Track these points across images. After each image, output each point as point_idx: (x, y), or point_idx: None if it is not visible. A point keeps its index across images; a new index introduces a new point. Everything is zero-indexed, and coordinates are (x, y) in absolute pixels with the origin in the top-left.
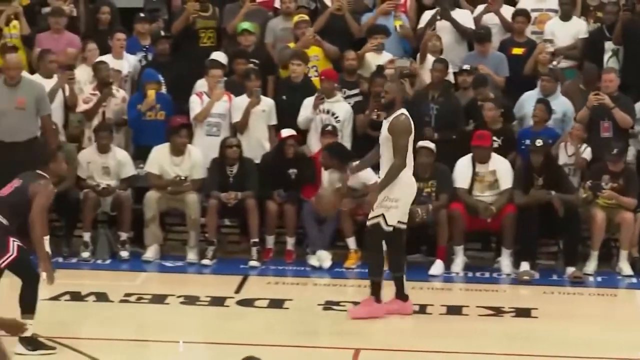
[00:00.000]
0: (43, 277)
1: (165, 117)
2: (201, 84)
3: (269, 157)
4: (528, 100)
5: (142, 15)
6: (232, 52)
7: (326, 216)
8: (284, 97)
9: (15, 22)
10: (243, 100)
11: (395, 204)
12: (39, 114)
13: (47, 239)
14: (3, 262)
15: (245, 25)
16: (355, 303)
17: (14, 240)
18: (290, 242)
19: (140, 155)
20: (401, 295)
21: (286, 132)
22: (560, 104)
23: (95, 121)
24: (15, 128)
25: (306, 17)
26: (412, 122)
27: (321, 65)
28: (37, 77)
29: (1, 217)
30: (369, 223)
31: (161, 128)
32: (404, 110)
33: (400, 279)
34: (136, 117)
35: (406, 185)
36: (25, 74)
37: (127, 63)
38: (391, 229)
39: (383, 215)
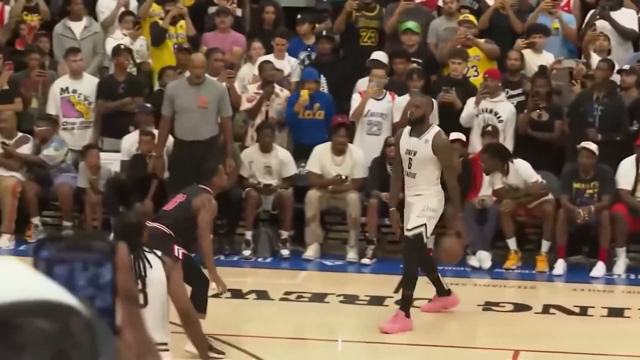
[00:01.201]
0: (213, 286)
1: (324, 116)
2: (362, 83)
3: None
4: None
5: (300, 16)
6: (394, 51)
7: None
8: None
9: (182, 22)
10: (405, 100)
11: (434, 215)
12: (220, 114)
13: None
14: None
15: (410, 24)
16: (515, 304)
17: (178, 248)
18: None
19: (300, 154)
20: (442, 292)
21: (454, 136)
22: None
23: (258, 120)
24: (196, 127)
25: (470, 17)
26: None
27: (481, 65)
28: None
29: (165, 228)
30: (410, 233)
31: (321, 127)
32: (436, 126)
33: (437, 279)
34: (292, 116)
35: (442, 198)
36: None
37: (288, 63)
38: (427, 239)
39: (425, 225)
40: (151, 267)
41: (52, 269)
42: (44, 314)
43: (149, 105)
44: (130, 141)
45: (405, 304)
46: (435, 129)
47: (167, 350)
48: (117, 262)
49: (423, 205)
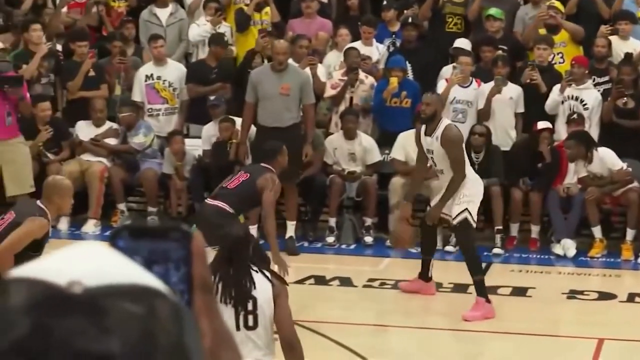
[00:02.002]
0: (275, 269)
1: (411, 104)
2: (447, 70)
3: (520, 146)
4: None
5: (385, 2)
6: (480, 38)
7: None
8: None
9: (267, 9)
10: (489, 87)
11: (472, 199)
12: (302, 102)
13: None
14: None
15: (492, 11)
16: (600, 293)
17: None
18: (534, 230)
19: (385, 141)
20: (425, 276)
21: (542, 125)
22: None
23: (342, 107)
24: (278, 113)
25: (556, 3)
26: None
27: (567, 51)
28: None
29: (228, 206)
30: (456, 221)
31: (407, 115)
32: (448, 120)
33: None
34: (380, 103)
35: (477, 182)
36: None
37: (376, 50)
38: (474, 223)
39: (467, 209)
40: (255, 287)
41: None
42: (132, 297)
43: (222, 99)
44: (210, 130)
45: (481, 289)
46: (443, 124)
47: None
48: (194, 250)
49: (460, 194)
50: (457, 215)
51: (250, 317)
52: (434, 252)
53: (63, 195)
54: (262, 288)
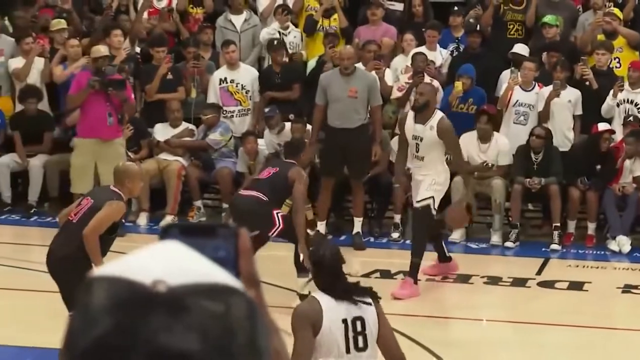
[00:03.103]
0: (301, 258)
1: (476, 110)
2: (507, 74)
3: (579, 147)
4: None
5: (456, 8)
6: (539, 44)
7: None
8: (587, 83)
9: (335, 15)
10: (548, 90)
11: (441, 189)
12: (370, 104)
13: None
14: (273, 233)
15: (546, 18)
16: None
17: (277, 212)
18: (591, 227)
19: None
20: (444, 257)
21: (603, 127)
22: None
23: (407, 108)
24: (346, 115)
25: (614, 9)
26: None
27: (624, 57)
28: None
29: (261, 194)
30: (419, 205)
31: (471, 120)
32: (439, 112)
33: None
34: (446, 106)
35: (447, 172)
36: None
37: (440, 55)
38: (435, 212)
39: (433, 197)
40: (356, 306)
41: None
42: (212, 295)
43: (276, 110)
44: (268, 137)
45: (414, 271)
46: (438, 114)
47: None
48: (240, 247)
49: (431, 180)
50: (422, 200)
51: (360, 338)
52: (442, 235)
53: (133, 179)
54: (367, 308)
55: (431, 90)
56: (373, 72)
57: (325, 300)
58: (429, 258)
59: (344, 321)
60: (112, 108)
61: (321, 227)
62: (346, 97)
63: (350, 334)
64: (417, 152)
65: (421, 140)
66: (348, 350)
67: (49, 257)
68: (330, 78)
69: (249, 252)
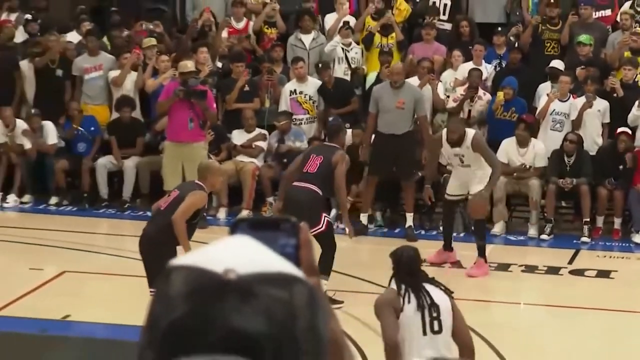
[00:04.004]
0: (347, 231)
1: (517, 117)
2: (544, 87)
3: (604, 151)
4: None
5: (500, 29)
6: (574, 60)
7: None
8: (615, 95)
9: (393, 34)
10: (581, 101)
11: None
12: (417, 113)
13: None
14: (313, 231)
15: (581, 38)
16: None
17: (325, 216)
18: (617, 221)
19: (493, 147)
20: (448, 247)
21: (621, 129)
22: None
23: (460, 116)
24: (394, 123)
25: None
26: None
27: None
28: (412, 81)
29: (316, 187)
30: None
31: (512, 126)
32: (470, 131)
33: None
34: (491, 114)
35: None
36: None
37: (485, 69)
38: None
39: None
40: (432, 297)
41: None
42: (277, 283)
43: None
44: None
45: (482, 252)
46: (470, 134)
47: None
48: (301, 239)
49: (481, 173)
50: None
51: (436, 323)
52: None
53: (214, 173)
54: (441, 298)
55: (460, 126)
56: (425, 85)
57: (403, 290)
58: (434, 247)
59: (421, 307)
60: (194, 115)
61: (363, 218)
62: (394, 107)
63: (427, 319)
64: (463, 163)
65: (463, 156)
66: (425, 333)
67: (141, 239)
68: (382, 90)
69: (309, 244)
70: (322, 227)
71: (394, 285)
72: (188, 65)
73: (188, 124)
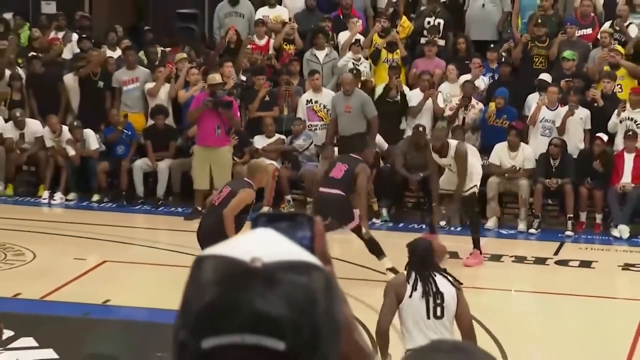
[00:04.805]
0: (363, 232)
1: (507, 124)
2: (532, 98)
3: (585, 152)
4: None
5: (492, 46)
6: (560, 74)
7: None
8: (596, 104)
9: (397, 50)
10: (565, 109)
11: (477, 179)
12: (366, 116)
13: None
14: (349, 226)
15: (565, 53)
16: None
17: (355, 211)
18: (598, 217)
19: (486, 151)
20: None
21: (598, 135)
22: None
23: (456, 123)
24: (345, 126)
25: (618, 46)
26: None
27: (625, 84)
28: (414, 92)
29: (340, 191)
30: (467, 193)
31: (503, 132)
32: (454, 142)
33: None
34: (484, 121)
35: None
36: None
37: (482, 82)
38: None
39: (476, 185)
40: (438, 285)
41: None
42: (298, 270)
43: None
44: None
45: (477, 244)
46: (453, 144)
47: None
48: (316, 231)
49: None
50: (469, 189)
51: (439, 309)
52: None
53: (261, 172)
54: (447, 287)
55: (442, 135)
56: (429, 98)
57: (412, 276)
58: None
59: (426, 294)
60: (220, 122)
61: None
62: (344, 112)
63: (431, 305)
64: (453, 170)
65: (450, 165)
66: (429, 317)
67: (198, 230)
68: (336, 99)
69: (322, 235)
70: (356, 221)
71: (407, 271)
72: (216, 78)
73: (215, 131)
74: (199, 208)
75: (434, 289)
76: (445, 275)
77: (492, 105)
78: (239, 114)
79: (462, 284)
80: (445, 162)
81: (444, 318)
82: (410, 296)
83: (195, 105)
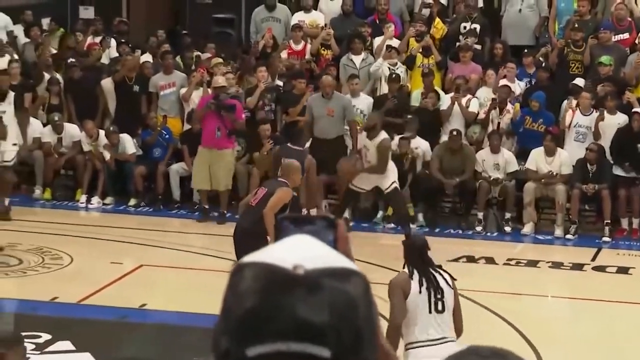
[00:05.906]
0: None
1: (544, 128)
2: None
3: (623, 130)
4: None
5: (526, 50)
6: (597, 78)
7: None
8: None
9: (432, 55)
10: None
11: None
12: (347, 119)
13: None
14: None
15: (601, 59)
16: None
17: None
18: (636, 222)
19: (522, 155)
20: None
21: (634, 110)
22: None
23: (490, 129)
24: (326, 130)
25: None
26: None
27: None
28: (447, 97)
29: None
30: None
31: (540, 137)
32: (384, 133)
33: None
34: (518, 125)
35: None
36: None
37: (518, 86)
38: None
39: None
40: (437, 280)
41: None
42: (339, 277)
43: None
44: None
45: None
46: (381, 136)
47: (453, 341)
48: (339, 234)
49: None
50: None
51: (440, 303)
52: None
53: (296, 172)
54: (445, 283)
55: (375, 117)
56: (455, 102)
57: (415, 273)
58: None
59: (427, 289)
60: (221, 125)
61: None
62: (325, 115)
63: (432, 300)
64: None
65: (368, 149)
66: (430, 311)
67: (235, 231)
68: (314, 101)
69: (345, 237)
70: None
71: (407, 268)
72: (219, 81)
73: (215, 133)
74: (206, 206)
75: (435, 284)
76: (442, 270)
77: (517, 106)
78: (243, 116)
79: (456, 280)
80: (367, 143)
81: (444, 312)
82: (420, 292)
83: (201, 106)
